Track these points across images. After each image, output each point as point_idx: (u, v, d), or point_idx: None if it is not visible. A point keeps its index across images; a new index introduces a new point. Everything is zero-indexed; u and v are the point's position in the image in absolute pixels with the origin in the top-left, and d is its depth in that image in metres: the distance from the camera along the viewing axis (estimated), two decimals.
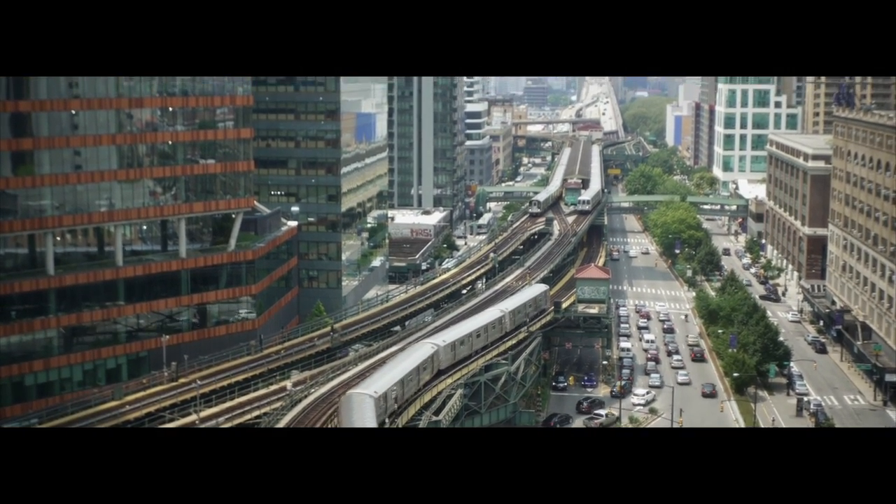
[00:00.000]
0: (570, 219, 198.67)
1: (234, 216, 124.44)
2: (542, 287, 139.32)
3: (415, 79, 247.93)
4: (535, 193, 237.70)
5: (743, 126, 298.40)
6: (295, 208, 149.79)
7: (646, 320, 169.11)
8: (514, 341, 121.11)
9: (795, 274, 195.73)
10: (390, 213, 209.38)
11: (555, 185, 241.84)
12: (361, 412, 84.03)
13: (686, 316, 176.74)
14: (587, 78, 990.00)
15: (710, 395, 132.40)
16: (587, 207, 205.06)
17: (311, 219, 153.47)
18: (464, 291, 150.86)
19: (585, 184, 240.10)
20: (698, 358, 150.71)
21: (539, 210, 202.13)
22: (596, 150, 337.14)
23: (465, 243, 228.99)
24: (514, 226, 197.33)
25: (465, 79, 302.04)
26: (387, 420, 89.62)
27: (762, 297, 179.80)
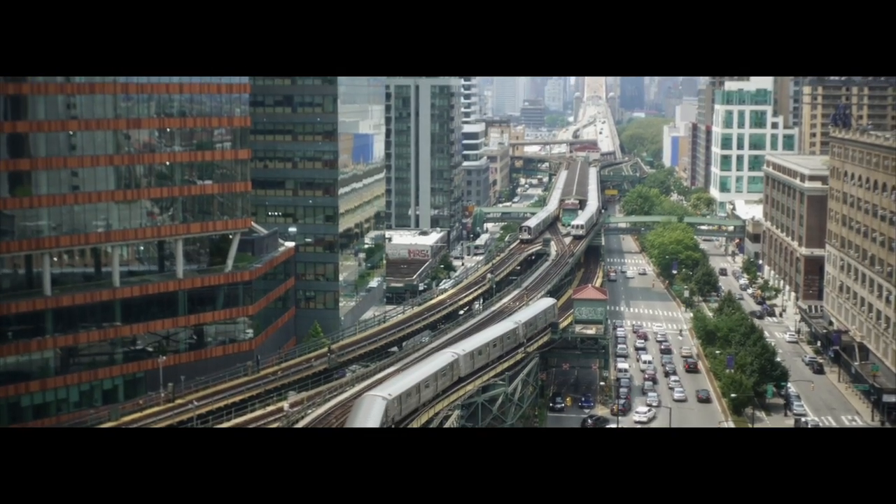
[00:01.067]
0: (567, 239, 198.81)
1: (231, 237, 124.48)
2: (551, 300, 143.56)
3: (412, 99, 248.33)
4: (531, 215, 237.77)
5: (740, 147, 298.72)
6: (292, 229, 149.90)
7: (643, 341, 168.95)
8: (511, 362, 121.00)
9: (793, 294, 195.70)
10: (387, 233, 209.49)
11: (552, 206, 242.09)
12: (367, 414, 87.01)
13: (682, 330, 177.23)
14: (584, 98, 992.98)
15: (706, 399, 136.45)
16: (581, 232, 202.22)
17: (308, 239, 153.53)
18: (461, 312, 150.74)
19: (582, 204, 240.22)
20: (692, 369, 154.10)
21: (530, 236, 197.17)
22: (593, 171, 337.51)
23: (463, 264, 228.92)
24: (510, 248, 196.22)
25: (462, 99, 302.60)
26: (392, 425, 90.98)
27: (752, 313, 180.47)
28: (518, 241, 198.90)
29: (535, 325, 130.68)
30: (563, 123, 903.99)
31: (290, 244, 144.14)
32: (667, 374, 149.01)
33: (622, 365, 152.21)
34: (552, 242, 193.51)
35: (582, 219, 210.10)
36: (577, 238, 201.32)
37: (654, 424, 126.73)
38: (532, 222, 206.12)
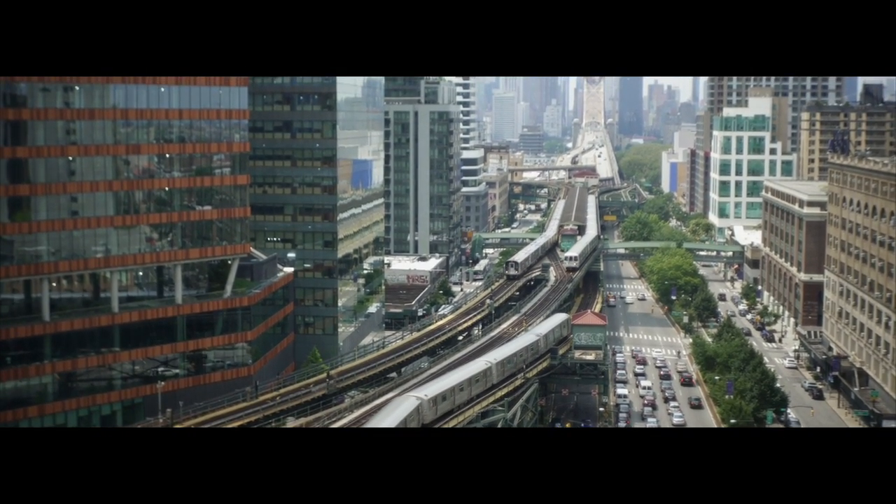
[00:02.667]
0: (566, 265, 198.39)
1: (230, 262, 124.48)
2: (564, 315, 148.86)
3: (411, 125, 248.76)
4: (530, 241, 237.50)
5: (738, 172, 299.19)
6: (291, 254, 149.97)
7: (642, 366, 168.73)
8: (510, 388, 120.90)
9: (792, 320, 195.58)
10: (386, 259, 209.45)
11: (550, 232, 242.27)
12: (396, 412, 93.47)
13: (679, 353, 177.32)
14: (582, 124, 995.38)
15: (698, 406, 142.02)
16: (574, 264, 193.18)
17: (307, 265, 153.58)
18: (460, 338, 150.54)
19: (581, 230, 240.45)
20: (687, 382, 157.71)
21: (518, 272, 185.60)
22: (592, 197, 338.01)
23: (462, 290, 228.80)
24: (492, 287, 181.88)
25: (461, 125, 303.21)
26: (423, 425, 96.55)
27: (748, 334, 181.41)
28: (504, 276, 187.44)
29: (553, 338, 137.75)
30: (562, 149, 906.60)
31: (289, 269, 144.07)
32: (666, 400, 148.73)
33: (622, 390, 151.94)
34: (551, 268, 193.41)
35: (576, 250, 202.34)
36: (571, 270, 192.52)
37: None
38: (520, 256, 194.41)
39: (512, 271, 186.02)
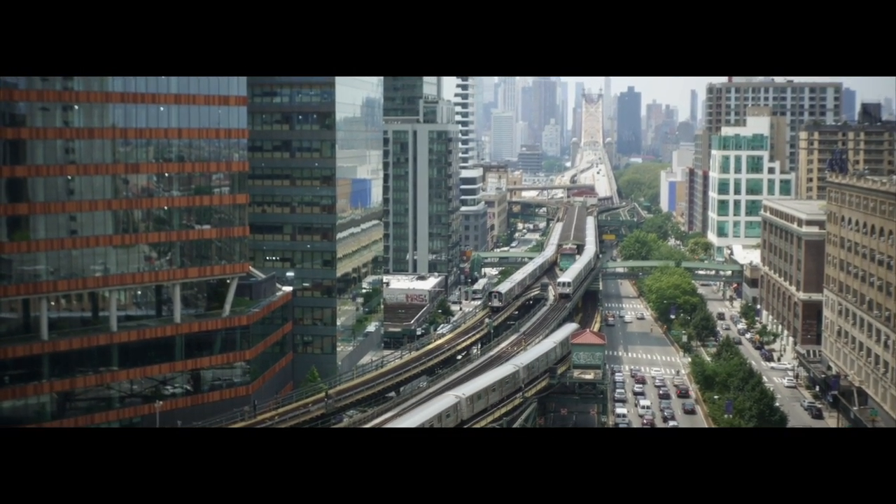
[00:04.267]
0: (559, 291, 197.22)
1: (228, 281, 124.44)
2: (575, 325, 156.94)
3: (410, 144, 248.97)
4: (528, 260, 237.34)
5: (737, 192, 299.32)
6: (290, 273, 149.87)
7: (641, 385, 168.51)
8: (509, 407, 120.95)
9: (791, 339, 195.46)
10: (385, 278, 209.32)
11: (549, 252, 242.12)
12: (434, 406, 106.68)
13: (678, 372, 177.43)
14: (581, 143, 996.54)
15: (691, 412, 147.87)
16: (567, 291, 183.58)
17: (306, 284, 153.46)
18: (458, 357, 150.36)
19: (580, 249, 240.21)
20: (683, 394, 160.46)
21: (501, 304, 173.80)
22: (591, 216, 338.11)
23: (461, 309, 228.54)
24: (474, 319, 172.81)
25: (460, 144, 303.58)
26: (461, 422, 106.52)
27: (738, 342, 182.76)
28: (487, 308, 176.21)
29: (567, 346, 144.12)
30: (561, 168, 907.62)
31: (288, 289, 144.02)
32: (665, 420, 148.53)
33: (620, 410, 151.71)
34: (550, 287, 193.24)
35: (569, 275, 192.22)
36: (564, 297, 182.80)
37: None
38: (504, 286, 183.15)
39: (495, 303, 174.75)
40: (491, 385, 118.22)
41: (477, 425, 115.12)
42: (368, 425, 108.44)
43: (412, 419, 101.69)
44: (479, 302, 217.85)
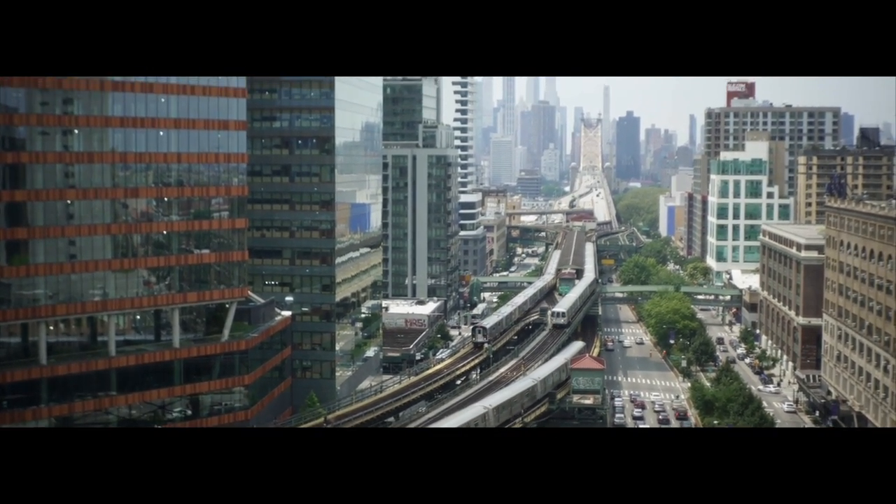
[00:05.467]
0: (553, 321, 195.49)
1: (227, 306, 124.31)
2: (581, 344, 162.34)
3: (409, 169, 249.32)
4: (528, 284, 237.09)
5: (735, 216, 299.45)
6: (289, 298, 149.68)
7: (641, 410, 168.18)
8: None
9: (790, 364, 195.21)
10: (384, 303, 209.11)
11: (548, 276, 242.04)
12: (463, 414, 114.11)
13: (678, 396, 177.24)
14: (580, 168, 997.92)
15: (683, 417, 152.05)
16: (562, 321, 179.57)
17: (305, 309, 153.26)
18: (458, 382, 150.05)
19: (579, 274, 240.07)
20: (682, 417, 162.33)
21: (485, 339, 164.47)
22: (590, 241, 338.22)
23: (460, 333, 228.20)
24: (457, 356, 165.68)
25: (459, 169, 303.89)
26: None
27: (733, 362, 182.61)
28: (471, 344, 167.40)
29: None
30: (560, 193, 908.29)
31: (287, 313, 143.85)
32: None
33: None
34: (549, 312, 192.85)
35: (564, 304, 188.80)
36: (558, 327, 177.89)
37: None
38: (490, 321, 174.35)
39: (479, 338, 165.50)
40: (513, 397, 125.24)
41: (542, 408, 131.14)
42: (439, 409, 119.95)
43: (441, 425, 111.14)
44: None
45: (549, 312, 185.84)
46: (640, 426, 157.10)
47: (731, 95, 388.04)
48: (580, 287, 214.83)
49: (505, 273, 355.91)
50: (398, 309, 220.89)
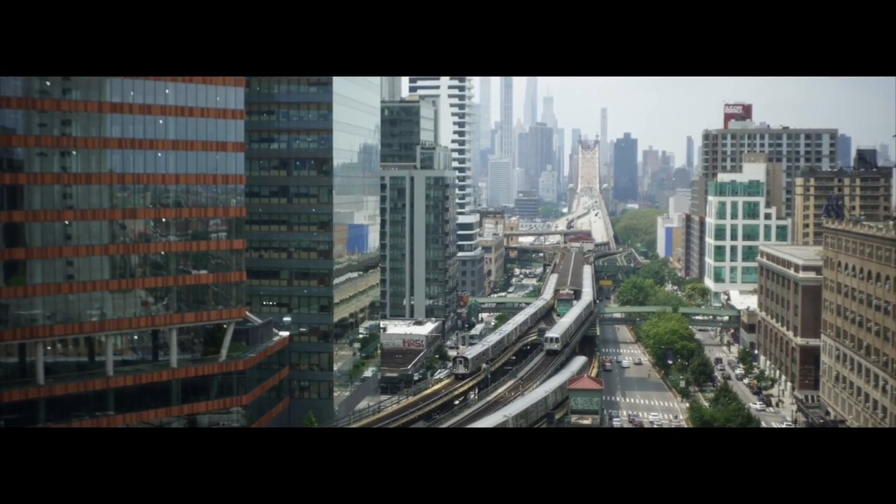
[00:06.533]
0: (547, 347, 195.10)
1: (225, 326, 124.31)
2: (584, 358, 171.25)
3: (407, 190, 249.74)
4: (526, 305, 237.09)
5: (733, 237, 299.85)
6: (287, 318, 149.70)
7: None
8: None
9: (789, 384, 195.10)
10: (382, 323, 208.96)
11: (547, 296, 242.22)
12: (485, 422, 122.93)
13: (676, 417, 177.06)
14: (578, 189, 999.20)
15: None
16: (556, 347, 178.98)
17: (302, 329, 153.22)
18: (456, 402, 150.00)
19: (577, 294, 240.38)
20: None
21: (466, 370, 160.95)
22: (588, 262, 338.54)
23: (457, 354, 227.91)
24: (439, 386, 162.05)
25: (457, 190, 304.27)
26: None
27: (728, 378, 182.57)
28: (451, 376, 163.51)
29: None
30: (557, 214, 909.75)
31: (285, 334, 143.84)
32: None
33: None
34: (547, 332, 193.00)
35: (558, 329, 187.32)
36: (551, 353, 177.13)
37: None
38: (472, 351, 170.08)
39: (460, 369, 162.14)
40: (529, 407, 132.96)
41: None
42: (458, 417, 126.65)
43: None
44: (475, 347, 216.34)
45: (543, 338, 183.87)
46: None
47: (728, 117, 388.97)
48: (576, 309, 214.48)
49: (503, 294, 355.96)
50: (396, 329, 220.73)
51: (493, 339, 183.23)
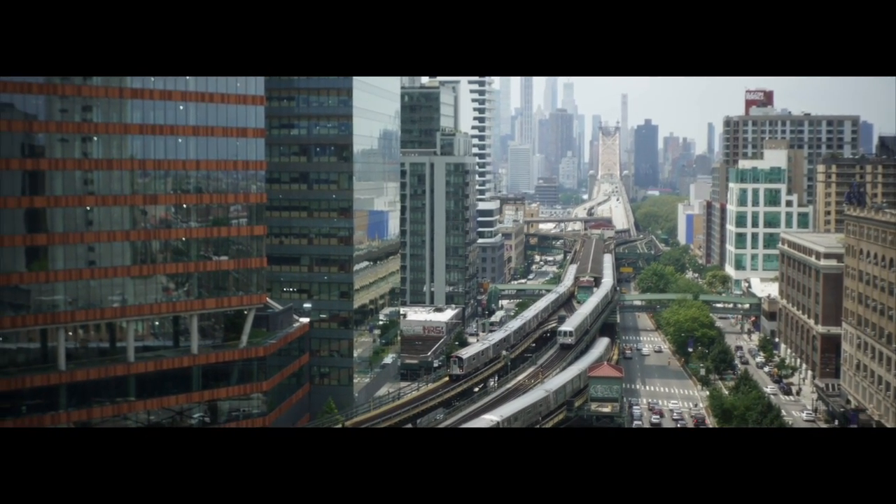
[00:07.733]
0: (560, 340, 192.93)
1: (246, 312, 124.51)
2: (607, 339, 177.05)
3: (427, 176, 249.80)
4: (546, 292, 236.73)
5: (755, 225, 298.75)
6: (307, 305, 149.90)
7: (659, 418, 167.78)
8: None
9: (809, 373, 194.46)
10: (402, 310, 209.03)
11: (567, 283, 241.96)
12: (523, 399, 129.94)
13: (696, 405, 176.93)
14: (598, 176, 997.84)
15: (702, 424, 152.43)
16: (570, 341, 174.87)
17: (323, 315, 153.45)
18: (476, 389, 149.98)
19: (597, 282, 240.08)
20: (700, 424, 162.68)
21: (461, 371, 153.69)
22: (608, 248, 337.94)
23: (478, 341, 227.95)
24: (429, 388, 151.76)
25: (477, 176, 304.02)
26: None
27: (745, 362, 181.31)
28: (446, 377, 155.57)
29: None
30: (578, 201, 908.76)
31: (305, 320, 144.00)
32: None
33: None
34: (567, 319, 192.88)
35: (572, 322, 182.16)
36: (566, 347, 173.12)
37: None
38: (467, 351, 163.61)
39: (455, 370, 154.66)
40: (525, 408, 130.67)
41: (559, 416, 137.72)
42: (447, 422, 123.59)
43: (512, 404, 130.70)
44: (495, 334, 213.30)
45: (557, 332, 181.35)
46: None
47: (749, 104, 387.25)
48: (595, 298, 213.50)
49: (523, 280, 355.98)
50: (416, 316, 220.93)
51: (496, 336, 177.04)
